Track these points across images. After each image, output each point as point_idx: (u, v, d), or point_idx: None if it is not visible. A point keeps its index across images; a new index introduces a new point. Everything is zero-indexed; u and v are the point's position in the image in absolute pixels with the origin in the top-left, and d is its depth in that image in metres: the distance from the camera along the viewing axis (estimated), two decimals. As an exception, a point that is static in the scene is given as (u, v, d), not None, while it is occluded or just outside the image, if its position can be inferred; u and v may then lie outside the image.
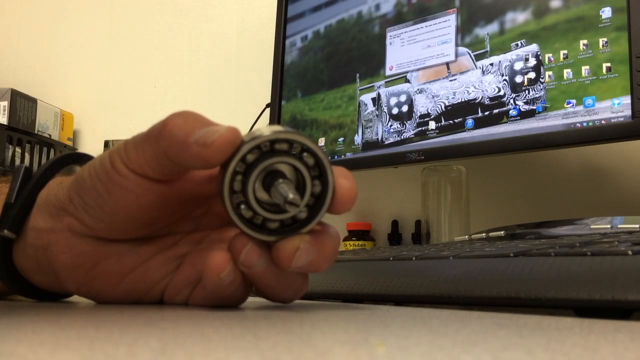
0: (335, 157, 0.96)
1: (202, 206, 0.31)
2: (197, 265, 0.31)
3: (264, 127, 0.27)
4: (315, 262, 0.27)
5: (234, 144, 0.26)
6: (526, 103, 0.76)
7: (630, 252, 0.31)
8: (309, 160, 0.27)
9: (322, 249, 0.27)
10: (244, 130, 0.27)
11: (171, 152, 0.26)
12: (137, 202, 0.28)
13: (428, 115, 0.85)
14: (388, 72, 0.91)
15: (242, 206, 0.27)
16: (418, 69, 0.87)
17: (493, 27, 0.80)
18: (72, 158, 0.34)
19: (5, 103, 1.21)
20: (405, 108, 0.88)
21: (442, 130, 0.83)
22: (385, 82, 0.91)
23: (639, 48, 0.66)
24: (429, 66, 0.86)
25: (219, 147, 0.25)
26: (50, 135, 1.31)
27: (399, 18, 0.91)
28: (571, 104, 0.72)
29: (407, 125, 0.87)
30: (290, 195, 0.26)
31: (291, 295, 0.30)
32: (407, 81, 0.88)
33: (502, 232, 0.64)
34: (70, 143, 1.36)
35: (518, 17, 0.78)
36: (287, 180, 0.26)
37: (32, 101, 1.28)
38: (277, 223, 0.27)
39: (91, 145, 1.40)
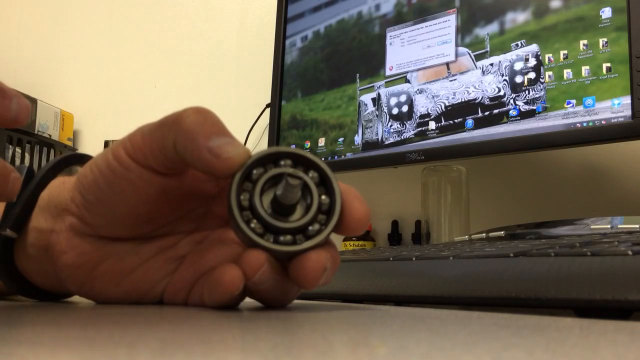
0: (336, 157, 0.96)
1: (202, 206, 0.31)
2: (196, 265, 0.31)
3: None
4: (330, 278, 0.27)
5: (244, 164, 0.26)
6: (526, 103, 0.76)
7: (630, 252, 0.31)
8: (314, 176, 0.27)
9: (336, 263, 0.27)
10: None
11: (180, 145, 0.26)
12: (137, 195, 0.28)
13: (428, 115, 0.85)
14: (388, 72, 0.91)
15: (254, 222, 0.26)
16: (418, 69, 0.87)
17: (493, 27, 0.80)
18: (74, 159, 0.34)
19: (6, 103, 1.21)
20: (405, 108, 0.88)
21: (442, 131, 0.83)
22: (385, 82, 0.91)
23: (639, 48, 0.66)
24: (429, 66, 0.86)
25: (230, 164, 0.26)
26: (50, 136, 1.31)
27: (399, 18, 0.91)
28: (571, 104, 0.72)
29: (407, 126, 0.87)
30: (290, 170, 0.26)
31: (287, 301, 0.30)
32: (407, 81, 0.88)
33: (502, 233, 0.64)
34: (70, 143, 1.36)
35: (518, 17, 0.78)
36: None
37: (32, 101, 1.28)
38: (289, 238, 0.26)
39: (91, 146, 1.40)
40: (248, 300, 0.30)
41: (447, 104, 0.83)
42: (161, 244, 0.31)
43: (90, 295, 0.31)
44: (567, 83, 0.73)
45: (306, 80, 1.02)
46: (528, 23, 0.77)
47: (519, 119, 0.76)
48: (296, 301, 0.32)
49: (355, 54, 0.96)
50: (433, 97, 0.85)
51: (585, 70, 0.71)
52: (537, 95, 0.75)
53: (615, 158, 0.90)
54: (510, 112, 0.77)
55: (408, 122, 0.87)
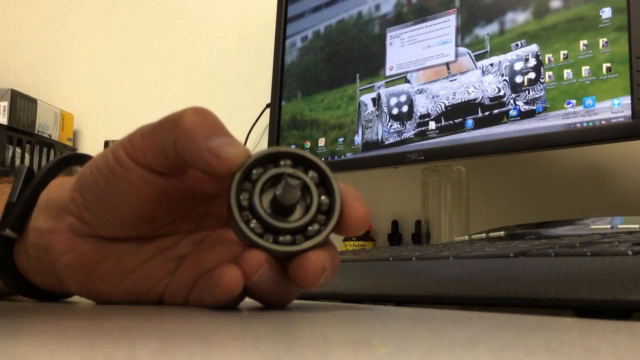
0: (336, 157, 0.96)
1: (203, 206, 0.31)
2: (196, 265, 0.31)
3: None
4: (330, 278, 0.27)
5: (244, 164, 0.26)
6: (526, 103, 0.76)
7: (630, 253, 0.31)
8: (314, 176, 0.27)
9: (336, 263, 0.27)
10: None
11: (179, 145, 0.26)
12: (137, 196, 0.28)
13: (428, 115, 0.85)
14: (388, 73, 0.91)
15: (253, 222, 0.26)
16: (418, 69, 0.87)
17: (493, 28, 0.80)
18: (74, 159, 0.34)
19: (5, 103, 1.21)
20: (405, 108, 0.88)
21: (442, 131, 0.83)
22: (385, 83, 0.91)
23: (639, 48, 0.66)
24: (429, 66, 0.86)
25: (230, 164, 0.26)
26: (50, 136, 1.31)
27: (399, 18, 0.91)
28: (571, 104, 0.72)
29: (407, 126, 0.87)
30: (290, 170, 0.26)
31: (287, 301, 0.30)
32: (407, 81, 0.88)
33: (502, 233, 0.64)
34: (70, 143, 1.36)
35: (518, 17, 0.78)
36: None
37: (32, 101, 1.28)
38: (288, 238, 0.26)
39: (91, 146, 1.40)
40: (248, 300, 0.30)
41: (447, 104, 0.83)
42: (161, 244, 0.31)
43: (90, 295, 0.31)
44: (567, 83, 0.73)
45: (306, 80, 1.02)
46: (528, 23, 0.77)
47: (519, 119, 0.76)
48: (296, 301, 0.32)
49: (355, 54, 0.96)
50: (433, 97, 0.85)
51: (585, 70, 0.71)
52: (537, 95, 0.75)
53: (615, 158, 0.90)
54: (510, 112, 0.77)
55: (408, 122, 0.87)
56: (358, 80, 0.95)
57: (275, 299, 0.29)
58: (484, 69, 0.80)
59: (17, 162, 1.19)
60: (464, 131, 0.81)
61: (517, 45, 0.78)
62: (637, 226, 0.52)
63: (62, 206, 0.30)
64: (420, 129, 0.85)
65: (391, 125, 0.89)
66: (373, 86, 0.93)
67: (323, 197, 0.27)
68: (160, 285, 0.31)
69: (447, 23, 0.85)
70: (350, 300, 0.43)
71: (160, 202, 0.29)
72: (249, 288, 0.27)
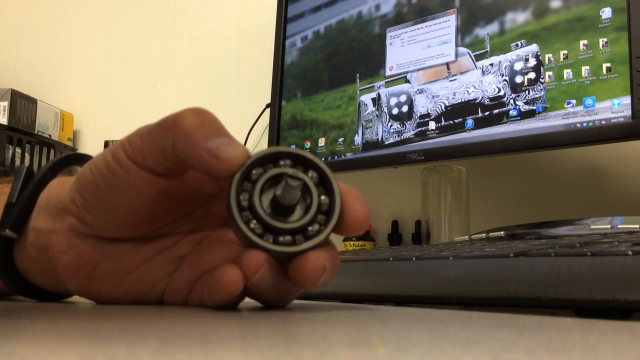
0: (336, 157, 0.96)
1: (203, 206, 0.31)
2: (196, 265, 0.31)
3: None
4: (330, 278, 0.27)
5: (244, 164, 0.26)
6: (526, 103, 0.76)
7: (630, 252, 0.31)
8: (314, 176, 0.27)
9: (336, 263, 0.27)
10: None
11: (179, 146, 0.26)
12: (137, 197, 0.28)
13: (428, 115, 0.85)
14: (388, 73, 0.91)
15: (253, 222, 0.26)
16: (418, 69, 0.87)
17: (493, 28, 0.80)
18: (73, 159, 0.34)
19: (5, 103, 1.21)
20: (405, 108, 0.88)
21: (442, 131, 0.83)
22: (385, 83, 0.91)
23: (639, 48, 0.66)
24: (429, 66, 0.86)
25: (229, 164, 0.26)
26: (50, 136, 1.31)
27: (399, 18, 0.91)
28: (571, 104, 0.72)
29: (407, 126, 0.87)
30: (290, 170, 0.26)
31: (287, 301, 0.30)
32: (407, 81, 0.88)
33: (502, 233, 0.64)
34: (70, 143, 1.36)
35: (518, 18, 0.78)
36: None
37: (32, 101, 1.28)
38: (288, 238, 0.26)
39: (91, 146, 1.40)
40: (248, 300, 0.30)
41: (447, 104, 0.83)
42: (161, 244, 0.31)
43: (90, 295, 0.31)
44: (567, 83, 0.73)
45: (306, 80, 1.02)
46: (528, 23, 0.77)
47: (519, 119, 0.76)
48: (296, 301, 0.32)
49: (355, 54, 0.96)
50: (433, 97, 0.85)
51: (585, 70, 0.71)
52: (537, 95, 0.75)
53: (615, 158, 0.90)
54: (510, 112, 0.77)
55: (408, 122, 0.87)
56: (358, 80, 0.95)
57: (275, 299, 0.29)
58: (484, 69, 0.80)
59: (17, 162, 1.19)
60: (464, 131, 0.81)
61: (517, 45, 0.78)
62: (637, 226, 0.52)
63: (61, 206, 0.30)
64: (420, 129, 0.85)
65: (391, 125, 0.89)
66: (373, 86, 0.93)
67: (323, 197, 0.27)
68: (160, 285, 0.31)
69: (447, 23, 0.85)
70: (350, 300, 0.43)
71: (160, 202, 0.29)
72: (249, 288, 0.27)
